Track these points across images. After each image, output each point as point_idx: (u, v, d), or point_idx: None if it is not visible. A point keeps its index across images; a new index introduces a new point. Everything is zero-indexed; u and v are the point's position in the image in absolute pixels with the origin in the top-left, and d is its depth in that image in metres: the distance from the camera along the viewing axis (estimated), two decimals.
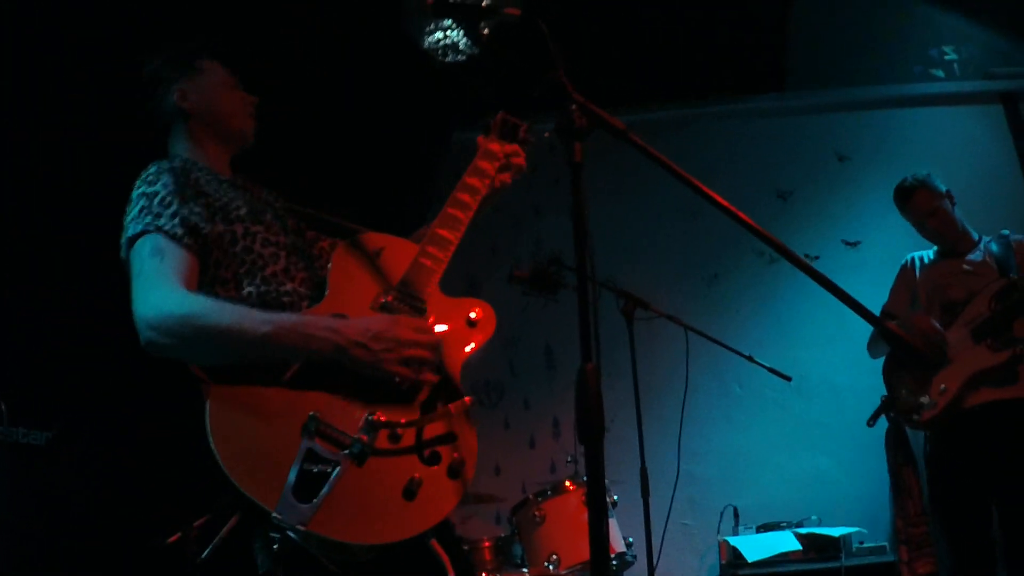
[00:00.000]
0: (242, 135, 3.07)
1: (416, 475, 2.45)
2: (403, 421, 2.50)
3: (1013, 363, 4.73)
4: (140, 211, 2.66)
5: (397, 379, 2.54)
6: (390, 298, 2.73)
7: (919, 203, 5.23)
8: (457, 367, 2.75)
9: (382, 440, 2.46)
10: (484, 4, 2.46)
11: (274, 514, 2.23)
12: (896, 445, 5.37)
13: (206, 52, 3.10)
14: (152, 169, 2.78)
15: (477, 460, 2.64)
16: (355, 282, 2.77)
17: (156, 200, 2.66)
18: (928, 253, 5.37)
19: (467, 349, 2.83)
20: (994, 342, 4.79)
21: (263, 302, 2.65)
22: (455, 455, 2.56)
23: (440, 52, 5.06)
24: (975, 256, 5.13)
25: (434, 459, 2.52)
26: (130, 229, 2.65)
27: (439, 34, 4.99)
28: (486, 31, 2.53)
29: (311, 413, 2.39)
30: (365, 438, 2.42)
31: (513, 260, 6.80)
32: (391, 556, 2.38)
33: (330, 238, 3.15)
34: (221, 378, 2.40)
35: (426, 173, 7.25)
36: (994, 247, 5.12)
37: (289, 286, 2.74)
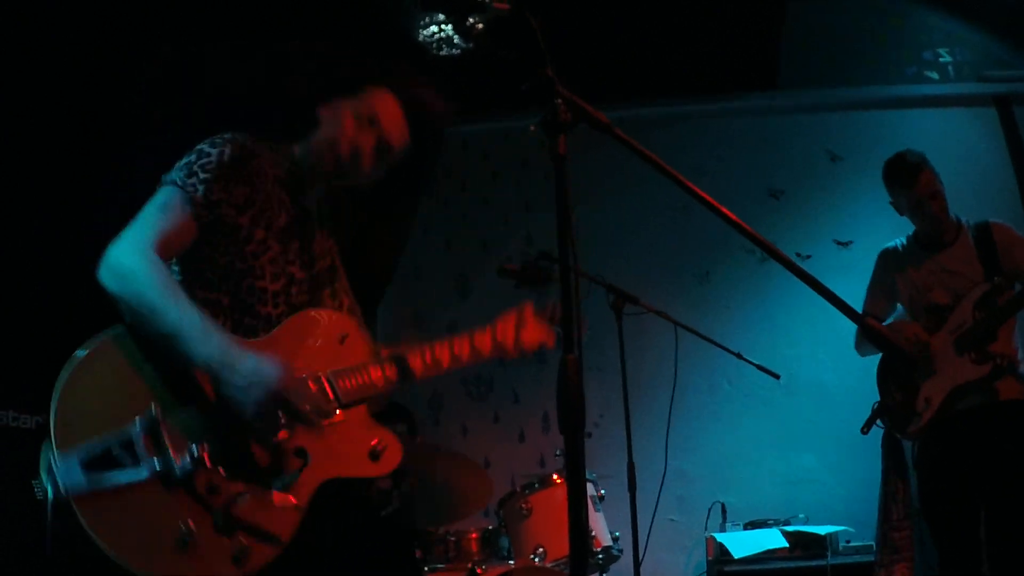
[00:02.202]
0: (349, 175, 2.98)
1: (193, 526, 2.32)
2: (224, 476, 2.39)
3: (993, 377, 4.72)
4: (186, 163, 2.71)
5: (252, 432, 2.49)
6: (310, 381, 2.68)
7: (925, 182, 4.96)
8: (321, 478, 2.60)
9: (200, 480, 2.36)
10: None
11: (54, 451, 2.24)
12: (888, 450, 5.38)
13: (380, 79, 3.03)
14: (225, 136, 2.79)
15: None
16: (297, 345, 2.71)
17: (203, 161, 2.70)
18: (902, 241, 5.23)
19: (350, 471, 2.69)
20: (977, 354, 4.76)
21: (234, 308, 2.69)
22: (250, 544, 2.41)
23: (435, 45, 5.08)
24: (957, 247, 5.00)
25: (229, 531, 2.38)
26: (171, 173, 2.71)
27: (434, 28, 5.00)
28: (476, 25, 2.54)
29: (154, 407, 2.37)
30: (178, 462, 2.34)
31: (504, 255, 6.80)
32: None
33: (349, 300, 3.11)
34: (125, 334, 2.48)
35: (420, 167, 7.25)
36: (972, 236, 4.99)
37: (264, 310, 2.73)
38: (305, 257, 2.88)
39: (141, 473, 2.29)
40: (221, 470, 2.39)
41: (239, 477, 2.43)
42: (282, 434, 2.51)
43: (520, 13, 2.32)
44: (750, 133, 7.27)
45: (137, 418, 2.33)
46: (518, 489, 4.93)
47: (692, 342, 5.19)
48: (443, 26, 4.87)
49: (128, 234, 2.59)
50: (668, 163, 2.28)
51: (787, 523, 5.80)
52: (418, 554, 4.83)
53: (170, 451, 2.33)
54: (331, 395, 2.68)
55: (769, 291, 6.77)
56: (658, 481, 4.93)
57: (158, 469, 2.31)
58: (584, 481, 2.15)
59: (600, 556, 4.84)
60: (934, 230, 5.06)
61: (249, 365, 2.46)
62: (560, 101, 2.22)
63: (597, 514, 4.93)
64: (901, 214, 5.16)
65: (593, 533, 4.78)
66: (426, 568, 4.77)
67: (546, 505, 4.79)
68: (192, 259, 2.70)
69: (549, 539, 4.67)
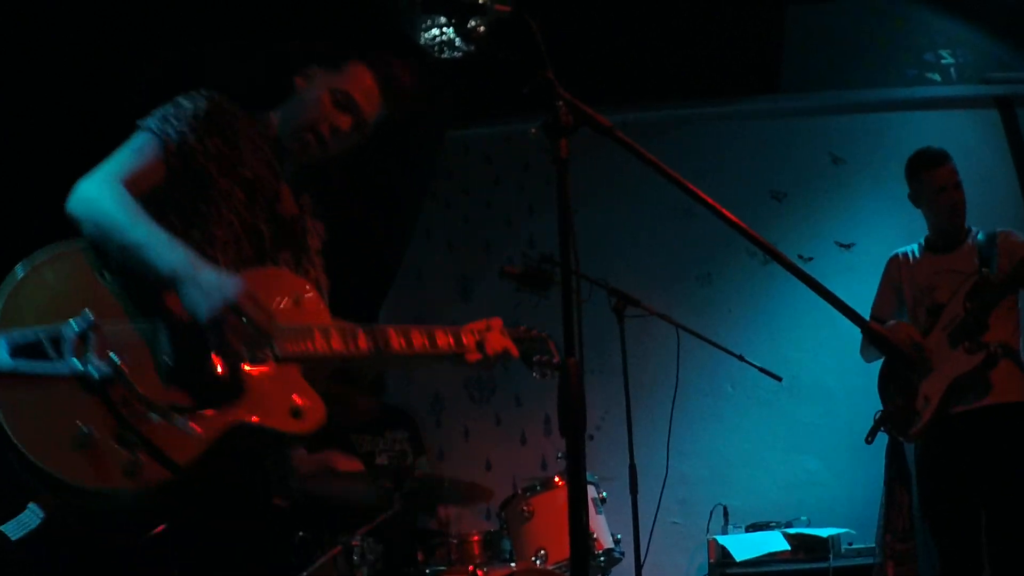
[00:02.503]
0: (313, 155, 3.02)
1: (96, 431, 2.32)
2: (140, 393, 2.37)
3: (988, 366, 4.72)
4: (162, 113, 2.76)
5: (208, 346, 2.51)
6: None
7: (950, 170, 5.03)
8: (234, 419, 2.53)
9: (116, 390, 2.36)
10: (475, 0, 2.47)
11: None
12: (892, 459, 5.38)
13: (359, 54, 3.06)
14: (202, 91, 2.83)
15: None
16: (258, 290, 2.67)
17: (178, 111, 2.75)
18: (913, 248, 5.25)
19: (266, 420, 2.59)
20: (970, 344, 4.77)
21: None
22: (147, 461, 2.36)
23: (436, 48, 5.07)
24: (962, 250, 5.03)
25: (129, 444, 2.35)
26: (147, 119, 2.76)
27: (435, 30, 5.00)
28: (478, 28, 2.54)
29: (90, 312, 2.39)
30: (98, 367, 2.34)
31: (506, 258, 6.80)
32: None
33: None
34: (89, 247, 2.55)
35: (419, 170, 7.26)
36: (980, 237, 5.02)
37: (212, 253, 2.70)
38: (271, 215, 2.88)
39: (61, 368, 2.33)
40: (140, 387, 2.38)
41: (157, 396, 2.42)
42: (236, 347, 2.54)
43: (521, 16, 2.32)
44: (752, 136, 7.27)
45: (72, 319, 2.37)
46: (519, 491, 4.93)
47: (694, 344, 5.19)
48: (444, 29, 4.86)
49: (98, 169, 2.66)
50: (670, 166, 2.28)
51: (789, 525, 5.80)
52: (419, 556, 4.84)
53: (93, 355, 2.35)
54: (273, 347, 2.66)
55: (771, 293, 6.77)
56: (660, 483, 4.93)
57: (79, 369, 2.33)
58: (585, 484, 2.16)
59: (602, 558, 4.85)
60: (949, 224, 5.09)
61: (212, 275, 2.51)
62: (561, 104, 2.23)
63: (599, 516, 4.93)
64: (917, 206, 5.19)
65: (595, 535, 4.79)
66: (427, 571, 4.77)
67: (548, 508, 4.79)
68: (157, 200, 2.70)
69: (551, 541, 4.67)
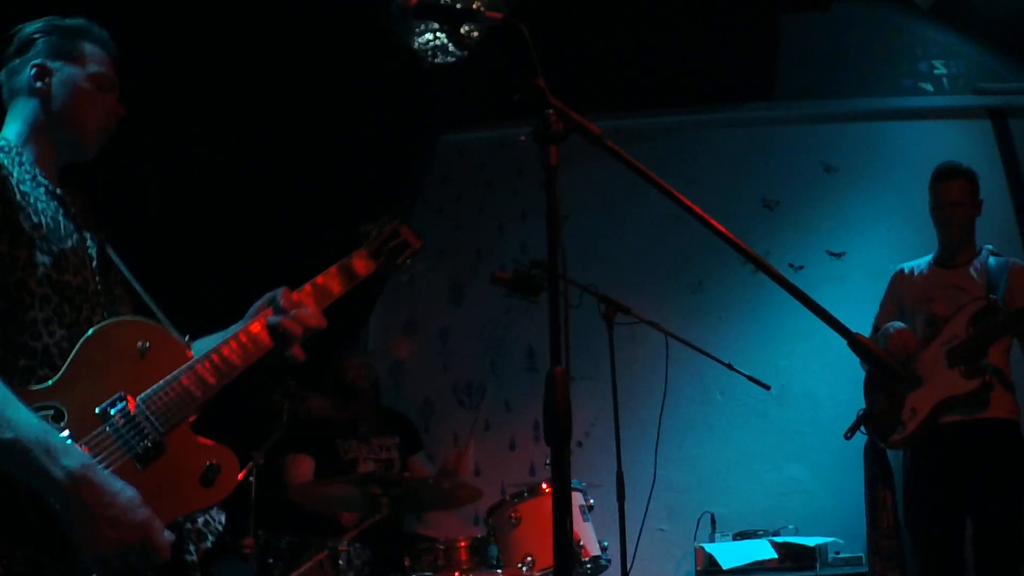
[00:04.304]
0: (87, 148, 2.63)
1: None
2: None
3: (984, 391, 4.74)
4: None
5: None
6: (118, 417, 2.29)
7: (954, 189, 5.08)
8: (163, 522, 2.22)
9: None
10: (466, 7, 2.46)
11: None
12: (872, 458, 5.39)
13: (94, 37, 2.65)
14: None
15: None
16: (96, 376, 2.31)
17: None
18: (921, 264, 5.29)
19: (182, 509, 2.36)
20: (967, 368, 4.79)
21: (5, 352, 2.28)
22: None
23: (429, 53, 5.08)
24: (969, 269, 5.06)
25: None
26: None
27: (428, 35, 5.01)
28: (470, 34, 2.54)
29: None
30: None
31: (498, 264, 6.81)
32: None
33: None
34: None
35: (412, 176, 7.26)
36: (991, 262, 5.04)
37: (37, 344, 2.32)
38: (76, 256, 2.48)
39: None
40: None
41: None
42: None
43: (513, 23, 2.32)
44: (745, 144, 7.29)
45: None
46: (507, 498, 4.92)
47: (684, 352, 5.20)
48: (438, 34, 4.87)
49: None
50: (663, 173, 2.28)
51: (776, 534, 5.81)
52: (406, 561, 4.83)
53: None
54: (153, 423, 2.33)
55: (762, 302, 6.78)
56: (647, 491, 4.93)
57: None
58: (569, 493, 2.15)
59: (588, 566, 4.83)
60: (947, 239, 5.15)
61: (115, 492, 2.13)
62: (551, 112, 2.22)
63: (586, 524, 4.92)
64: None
65: (581, 543, 4.78)
66: None
67: (535, 514, 4.78)
68: None
69: (538, 548, 4.66)
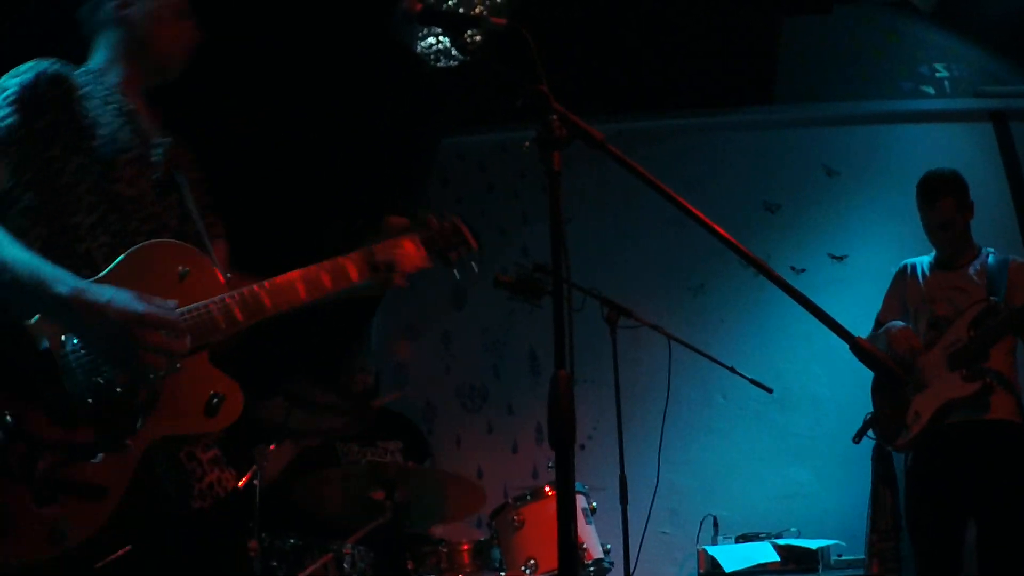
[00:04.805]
0: (167, 70, 2.84)
1: (10, 504, 2.13)
2: (46, 441, 2.17)
3: (984, 394, 4.74)
4: None
5: (117, 373, 2.27)
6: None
7: (942, 209, 5.04)
8: (151, 437, 2.33)
9: (14, 451, 2.15)
10: (471, 13, 2.47)
11: None
12: (879, 461, 5.39)
13: None
14: (28, 66, 2.58)
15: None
16: (133, 284, 2.36)
17: (3, 96, 2.50)
18: (924, 261, 5.27)
19: (180, 430, 2.42)
20: (968, 372, 4.78)
21: (47, 252, 2.37)
22: (69, 512, 2.18)
23: (433, 57, 5.09)
24: (970, 270, 5.05)
25: (49, 500, 2.17)
26: None
27: (432, 39, 5.01)
28: (473, 39, 2.54)
29: None
30: None
31: (499, 267, 6.82)
32: None
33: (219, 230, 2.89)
34: None
35: (413, 179, 7.26)
36: (991, 260, 5.03)
37: (81, 247, 2.46)
38: (134, 179, 2.61)
39: None
40: (43, 434, 2.19)
41: (64, 437, 2.22)
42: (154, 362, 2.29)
43: (517, 29, 2.32)
44: (747, 147, 7.29)
45: None
46: (510, 501, 4.92)
47: (687, 355, 5.20)
48: (440, 38, 4.87)
49: None
50: (665, 176, 2.28)
51: (779, 537, 5.80)
52: (410, 564, 4.83)
53: None
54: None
55: (764, 304, 6.79)
56: (650, 494, 4.93)
57: None
58: (574, 496, 2.16)
59: (591, 569, 4.83)
60: (944, 256, 5.15)
61: (98, 293, 2.26)
62: (554, 117, 2.23)
63: (589, 527, 4.92)
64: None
65: (584, 546, 4.78)
66: None
67: (538, 517, 4.78)
68: (2, 205, 2.47)
69: (540, 551, 4.66)
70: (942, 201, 5.05)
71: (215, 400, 2.41)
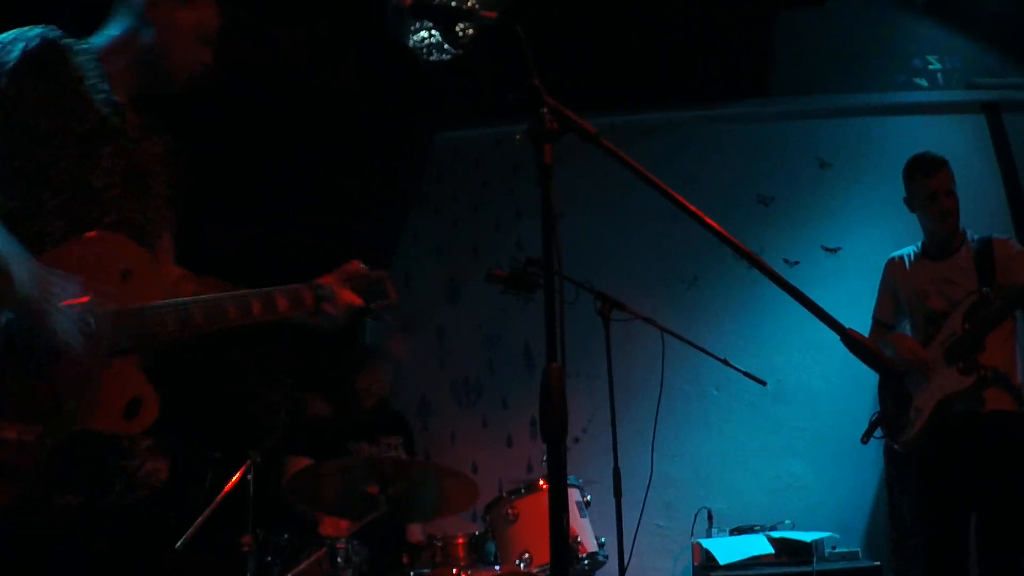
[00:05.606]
0: (166, 84, 2.80)
1: None
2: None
3: (979, 387, 4.75)
4: None
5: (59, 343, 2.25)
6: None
7: (945, 177, 5.02)
8: (69, 427, 2.32)
9: None
10: (462, 6, 2.47)
11: None
12: (890, 460, 5.38)
13: None
14: (33, 30, 2.54)
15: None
16: (78, 270, 2.36)
17: (1, 59, 2.46)
18: (909, 252, 5.25)
19: (95, 424, 2.38)
20: (964, 365, 4.79)
21: (6, 219, 2.34)
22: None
23: (424, 50, 5.09)
24: (957, 257, 5.03)
25: None
26: None
27: (424, 33, 5.01)
28: (465, 32, 2.55)
29: None
30: None
31: (494, 262, 6.82)
32: None
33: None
34: None
35: (408, 175, 7.26)
36: (975, 246, 5.02)
37: (35, 226, 2.42)
38: (110, 163, 2.59)
39: None
40: None
41: None
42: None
43: (507, 22, 2.32)
44: (741, 140, 7.29)
45: None
46: (505, 494, 4.93)
47: (681, 348, 5.19)
48: (433, 32, 4.87)
49: None
50: (659, 170, 2.29)
51: (773, 529, 5.83)
52: (405, 559, 4.83)
53: None
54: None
55: (758, 297, 6.79)
56: (644, 487, 4.92)
57: None
58: (566, 489, 2.16)
59: (586, 562, 4.85)
60: (942, 231, 5.08)
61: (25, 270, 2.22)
62: (546, 111, 2.23)
63: (583, 520, 4.94)
64: (912, 210, 5.18)
65: (579, 539, 4.79)
66: (412, 573, 4.77)
67: (532, 511, 4.79)
68: None
69: (535, 544, 4.67)
70: (945, 169, 5.04)
71: (134, 404, 2.42)
